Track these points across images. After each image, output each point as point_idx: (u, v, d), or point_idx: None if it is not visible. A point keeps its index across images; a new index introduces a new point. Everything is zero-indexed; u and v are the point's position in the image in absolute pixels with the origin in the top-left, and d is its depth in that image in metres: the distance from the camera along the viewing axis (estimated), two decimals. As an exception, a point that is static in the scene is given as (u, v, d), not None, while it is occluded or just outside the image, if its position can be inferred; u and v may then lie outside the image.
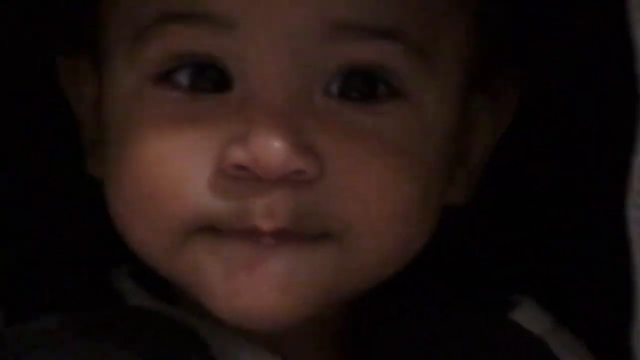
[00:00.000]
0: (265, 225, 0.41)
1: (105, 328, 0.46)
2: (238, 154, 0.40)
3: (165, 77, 0.43)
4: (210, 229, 0.42)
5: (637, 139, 0.38)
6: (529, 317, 0.49)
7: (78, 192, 0.53)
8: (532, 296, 0.51)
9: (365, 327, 0.48)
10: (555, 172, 0.54)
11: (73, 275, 0.54)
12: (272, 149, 0.39)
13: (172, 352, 0.44)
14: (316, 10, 0.42)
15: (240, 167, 0.40)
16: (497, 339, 0.49)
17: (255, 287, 0.43)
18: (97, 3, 0.48)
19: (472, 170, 0.50)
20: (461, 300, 0.52)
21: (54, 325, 0.46)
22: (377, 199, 0.43)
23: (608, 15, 0.43)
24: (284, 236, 0.42)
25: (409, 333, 0.49)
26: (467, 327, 0.49)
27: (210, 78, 0.43)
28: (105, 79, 0.47)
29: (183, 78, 0.43)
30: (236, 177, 0.40)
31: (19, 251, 0.54)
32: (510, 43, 0.50)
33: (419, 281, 0.49)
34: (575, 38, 0.50)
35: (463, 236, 0.53)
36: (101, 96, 0.48)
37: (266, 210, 0.41)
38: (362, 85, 0.44)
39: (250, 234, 0.41)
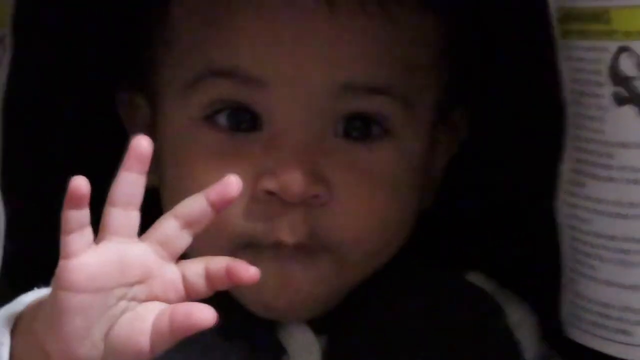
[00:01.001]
0: (290, 240, 0.51)
1: None
2: (270, 184, 0.49)
3: (209, 118, 0.52)
4: (249, 246, 0.52)
5: (562, 151, 0.49)
6: (478, 279, 0.60)
7: None
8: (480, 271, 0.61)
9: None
10: (496, 179, 0.63)
11: None
12: (296, 180, 0.49)
13: (252, 329, 0.56)
14: (329, 75, 0.52)
15: (270, 193, 0.49)
16: (456, 291, 0.60)
17: (282, 293, 0.53)
18: (153, 53, 0.59)
19: (435, 179, 0.59)
20: (430, 270, 0.61)
21: None
22: (366, 216, 0.53)
23: (535, 55, 0.54)
24: (302, 248, 0.52)
25: (391, 288, 0.58)
26: (435, 283, 0.60)
27: (245, 120, 0.53)
28: (158, 113, 0.58)
29: (223, 119, 0.53)
30: (266, 201, 0.50)
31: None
32: (463, 86, 0.60)
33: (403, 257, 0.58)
34: (509, 78, 0.60)
35: (428, 227, 0.60)
36: (153, 124, 0.59)
37: (289, 227, 0.51)
38: (361, 126, 0.54)
39: (276, 248, 0.52)
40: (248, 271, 0.43)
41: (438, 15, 0.58)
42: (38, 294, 0.52)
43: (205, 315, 0.41)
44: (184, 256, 0.50)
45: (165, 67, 0.58)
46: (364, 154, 0.54)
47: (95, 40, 0.65)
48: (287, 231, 0.51)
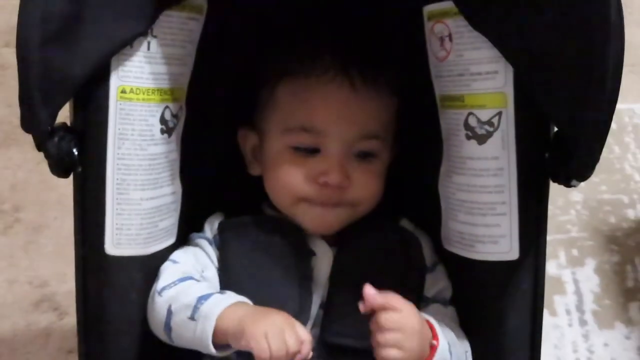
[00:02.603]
0: (331, 200, 0.83)
1: (262, 222, 0.87)
2: (325, 178, 0.81)
3: (294, 148, 0.83)
4: (305, 200, 0.83)
5: (441, 160, 0.80)
6: (406, 223, 0.90)
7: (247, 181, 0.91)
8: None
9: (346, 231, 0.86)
10: (413, 173, 0.93)
11: (253, 206, 0.90)
12: (337, 177, 0.81)
13: (287, 235, 0.85)
14: (353, 129, 0.82)
15: (325, 183, 0.81)
16: (395, 229, 0.89)
17: (323, 221, 0.84)
18: (263, 110, 0.87)
19: (389, 166, 0.88)
20: (386, 217, 0.90)
21: (248, 220, 0.87)
22: (369, 191, 0.85)
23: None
24: (334, 204, 0.83)
25: (368, 225, 0.88)
26: (387, 225, 0.90)
27: (309, 149, 0.83)
28: (265, 141, 0.86)
29: (301, 149, 0.83)
30: (320, 184, 0.81)
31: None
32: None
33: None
34: (419, 127, 0.89)
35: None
36: (259, 148, 0.88)
37: (332, 195, 0.82)
38: (365, 152, 0.84)
39: (322, 204, 0.83)
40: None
41: (396, 97, 0.87)
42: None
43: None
44: (266, 198, 0.88)
45: (270, 119, 0.86)
46: (364, 165, 0.84)
47: (228, 101, 0.92)
48: (331, 197, 0.83)
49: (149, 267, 0.81)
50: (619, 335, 1.36)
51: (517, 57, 0.73)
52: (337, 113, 0.82)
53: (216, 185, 0.92)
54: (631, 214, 1.52)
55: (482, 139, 0.78)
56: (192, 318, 0.73)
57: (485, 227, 0.80)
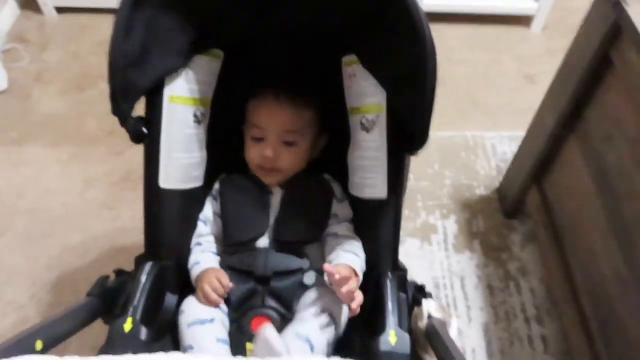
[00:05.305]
0: (269, 166, 0.85)
1: (244, 178, 0.90)
2: (265, 154, 0.84)
3: (253, 138, 0.87)
4: (259, 167, 0.86)
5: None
6: (327, 176, 0.91)
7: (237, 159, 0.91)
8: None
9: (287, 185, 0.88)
10: (334, 151, 0.91)
11: (243, 169, 0.90)
12: (271, 154, 0.84)
13: (257, 184, 0.88)
14: (283, 128, 0.85)
15: (265, 157, 0.84)
16: (319, 179, 0.90)
17: (268, 178, 0.87)
18: (247, 116, 0.90)
19: (318, 148, 0.91)
20: (313, 173, 0.90)
21: (236, 177, 0.90)
22: (290, 163, 0.86)
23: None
24: (272, 170, 0.86)
25: (301, 178, 0.89)
26: (314, 177, 0.90)
27: (259, 138, 0.86)
28: (245, 135, 0.90)
29: (255, 138, 0.86)
30: (265, 159, 0.84)
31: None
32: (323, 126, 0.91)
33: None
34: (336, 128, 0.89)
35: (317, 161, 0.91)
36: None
37: (271, 163, 0.85)
38: (288, 141, 0.85)
39: (265, 169, 0.85)
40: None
41: (310, 111, 0.87)
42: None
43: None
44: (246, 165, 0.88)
45: (247, 121, 0.89)
46: (288, 148, 0.86)
47: (235, 109, 0.90)
48: (269, 165, 0.85)
49: (185, 195, 0.84)
50: (466, 258, 1.41)
51: (385, 85, 0.79)
52: (272, 118, 0.86)
53: (225, 156, 0.92)
54: (478, 192, 1.56)
55: (369, 130, 0.82)
56: (191, 270, 0.83)
57: (369, 179, 0.83)
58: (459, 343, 1.21)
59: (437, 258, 1.39)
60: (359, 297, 0.74)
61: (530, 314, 1.32)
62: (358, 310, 0.73)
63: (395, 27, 0.69)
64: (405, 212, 1.48)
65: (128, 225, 1.38)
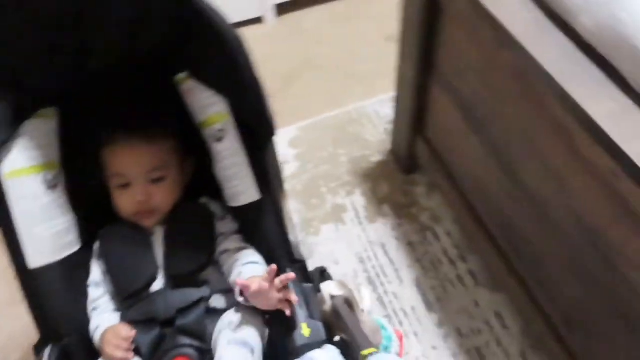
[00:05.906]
0: (145, 209, 0.84)
1: (122, 226, 0.86)
2: (137, 199, 0.82)
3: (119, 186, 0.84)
4: (134, 214, 0.84)
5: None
6: (204, 199, 0.89)
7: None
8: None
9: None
10: (206, 170, 0.87)
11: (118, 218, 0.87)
12: (142, 197, 0.82)
13: (135, 229, 0.85)
14: (144, 169, 0.83)
15: (138, 202, 0.82)
16: (196, 205, 0.88)
17: (146, 222, 0.85)
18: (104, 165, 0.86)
19: (188, 173, 0.89)
20: (192, 200, 0.88)
21: (114, 227, 0.86)
22: (163, 200, 0.85)
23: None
24: (146, 212, 0.84)
25: (180, 208, 0.87)
26: (192, 204, 0.88)
27: (125, 185, 0.83)
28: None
29: (120, 186, 0.84)
30: (139, 202, 0.83)
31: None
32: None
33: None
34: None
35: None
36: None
37: (146, 206, 0.83)
38: (155, 178, 0.83)
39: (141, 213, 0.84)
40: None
41: (168, 139, 0.86)
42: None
43: None
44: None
45: (106, 171, 0.86)
46: (157, 185, 0.84)
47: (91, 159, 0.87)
48: (144, 208, 0.84)
49: (63, 265, 0.80)
50: (380, 225, 1.44)
51: (220, 91, 0.80)
52: (131, 161, 0.84)
53: (100, 206, 0.89)
54: (374, 159, 1.59)
55: (221, 139, 0.83)
56: (93, 337, 0.80)
57: (238, 186, 0.84)
58: (375, 309, 1.23)
59: (354, 234, 1.41)
60: (292, 297, 0.74)
61: (453, 255, 1.37)
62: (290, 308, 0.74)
63: (202, 34, 0.71)
64: (312, 201, 1.51)
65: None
